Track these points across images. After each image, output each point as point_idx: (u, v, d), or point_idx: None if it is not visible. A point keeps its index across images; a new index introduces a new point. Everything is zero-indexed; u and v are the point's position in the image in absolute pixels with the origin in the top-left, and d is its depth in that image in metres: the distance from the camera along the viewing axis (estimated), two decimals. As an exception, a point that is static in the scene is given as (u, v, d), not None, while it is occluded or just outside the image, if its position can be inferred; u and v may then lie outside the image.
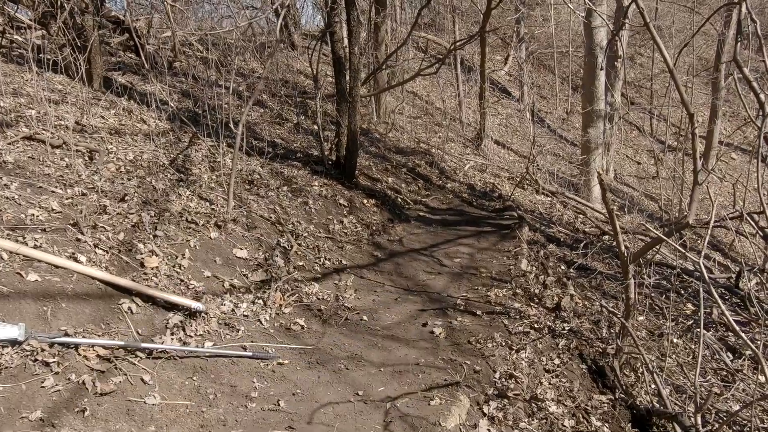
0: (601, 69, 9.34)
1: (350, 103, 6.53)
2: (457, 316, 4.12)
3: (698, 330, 3.00)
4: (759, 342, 3.62)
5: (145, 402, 2.59)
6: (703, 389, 3.59)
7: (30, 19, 6.69)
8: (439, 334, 3.84)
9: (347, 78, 6.66)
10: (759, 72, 12.06)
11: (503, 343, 3.71)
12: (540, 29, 18.11)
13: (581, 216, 8.48)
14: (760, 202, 3.41)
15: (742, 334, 1.95)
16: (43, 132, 4.44)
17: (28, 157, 4.06)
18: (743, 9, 3.89)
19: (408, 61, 12.41)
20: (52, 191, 3.72)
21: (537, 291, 4.67)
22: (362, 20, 8.10)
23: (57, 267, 3.02)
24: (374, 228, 6.03)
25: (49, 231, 3.28)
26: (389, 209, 6.77)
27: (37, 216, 3.36)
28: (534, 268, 5.25)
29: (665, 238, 2.79)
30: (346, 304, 4.18)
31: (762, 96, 3.82)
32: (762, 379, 2.88)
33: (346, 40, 7.33)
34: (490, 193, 9.19)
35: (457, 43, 9.56)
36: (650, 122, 17.16)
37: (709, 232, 2.44)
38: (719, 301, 1.98)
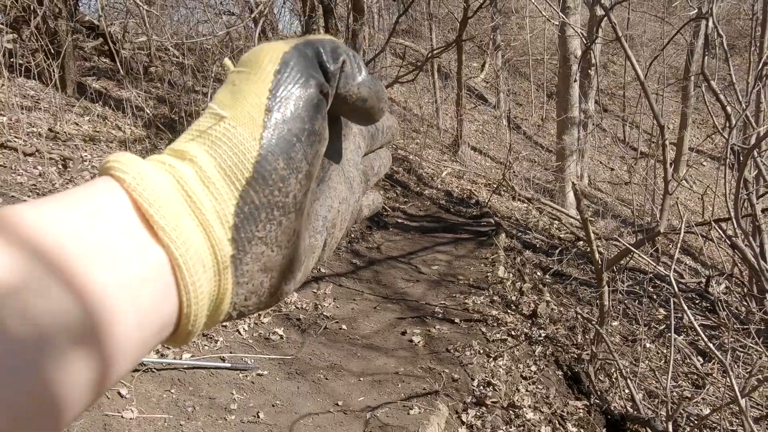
0: (575, 81, 9.53)
1: (328, 110, 6.54)
2: (436, 324, 4.16)
3: (670, 335, 3.09)
4: (728, 346, 3.73)
5: (122, 416, 2.56)
6: (674, 394, 3.68)
7: (0, 23, 6.56)
8: (418, 342, 3.87)
9: (325, 85, 6.66)
10: (726, 82, 12.41)
11: (481, 351, 3.75)
12: (516, 37, 18.38)
13: (556, 222, 8.61)
14: (728, 210, 3.53)
15: (710, 344, 2.02)
16: (16, 139, 4.36)
17: (0, 165, 3.99)
18: (710, 23, 4.02)
19: (386, 68, 12.48)
20: (25, 200, 3.65)
21: (514, 298, 4.74)
22: (340, 27, 8.13)
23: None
24: (352, 235, 6.05)
25: (22, 242, 3.23)
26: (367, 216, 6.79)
27: (10, 227, 3.30)
28: (511, 275, 5.32)
29: (634, 250, 2.86)
30: (324, 313, 4.19)
31: (729, 108, 3.95)
32: (730, 383, 2.97)
33: (324, 48, 7.32)
34: (467, 199, 9.28)
35: (435, 51, 9.65)
36: (623, 130, 17.52)
37: (680, 242, 2.52)
38: (688, 312, 2.05)
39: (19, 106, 4.75)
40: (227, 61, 0.32)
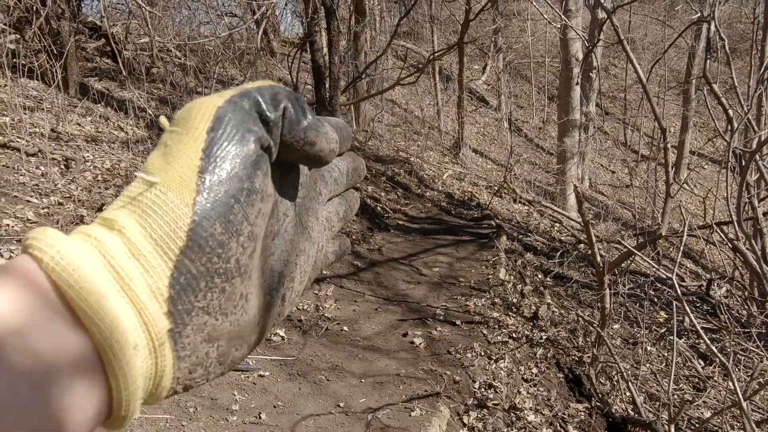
0: (577, 84, 9.54)
1: (330, 111, 6.56)
2: (437, 326, 4.16)
3: (671, 338, 3.10)
4: (729, 350, 3.73)
5: (124, 416, 2.56)
6: (676, 397, 3.68)
7: (3, 23, 6.57)
8: (419, 344, 3.87)
9: (327, 87, 6.68)
10: (728, 85, 12.42)
11: (482, 353, 3.75)
12: (517, 40, 18.40)
13: (557, 224, 8.61)
14: (729, 213, 3.53)
15: (712, 346, 2.02)
16: (18, 140, 4.37)
17: (3, 165, 4.00)
18: (712, 27, 4.03)
19: (387, 70, 12.49)
20: (28, 200, 3.67)
21: (515, 300, 4.74)
22: (342, 29, 8.14)
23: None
24: (354, 237, 6.05)
25: (24, 242, 3.23)
26: (369, 218, 6.80)
27: (13, 226, 3.31)
28: (512, 278, 5.32)
29: (636, 252, 2.87)
30: (326, 315, 4.19)
31: (730, 111, 3.96)
32: (731, 386, 2.98)
33: (326, 50, 7.35)
34: (468, 201, 9.28)
35: (436, 53, 9.66)
36: (624, 132, 17.53)
37: (682, 245, 2.52)
38: (690, 314, 2.05)
39: (22, 107, 4.76)
40: (163, 120, 0.30)
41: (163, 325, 0.25)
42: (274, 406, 3.00)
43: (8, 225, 3.30)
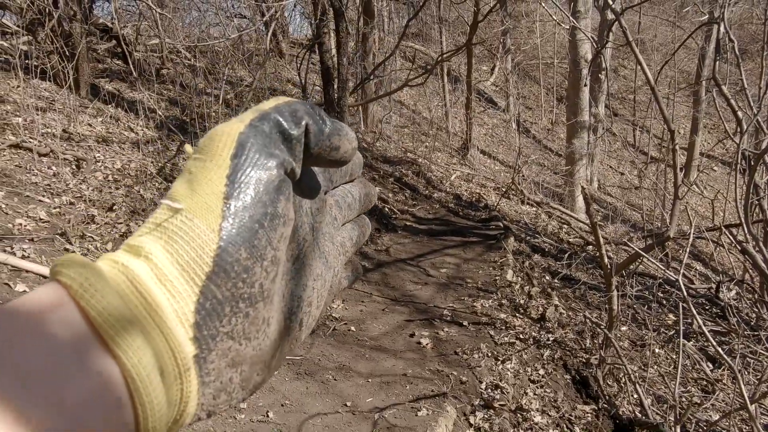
0: (585, 85, 9.52)
1: (338, 112, 6.58)
2: (444, 327, 4.16)
3: (680, 340, 3.09)
4: (737, 352, 3.71)
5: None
6: (683, 399, 3.67)
7: (16, 25, 6.65)
8: (426, 344, 3.88)
9: (335, 88, 6.71)
10: (738, 86, 12.33)
11: (489, 354, 3.76)
12: (526, 41, 18.36)
13: (566, 226, 8.59)
14: (738, 215, 3.52)
15: (719, 349, 2.02)
16: (31, 140, 4.43)
17: (15, 165, 4.05)
18: (722, 28, 4.01)
19: (396, 71, 12.51)
20: (40, 200, 3.72)
21: (522, 301, 4.74)
22: (350, 30, 8.17)
23: (45, 277, 3.02)
24: (362, 238, 6.06)
25: (37, 241, 3.28)
26: (376, 219, 6.82)
27: (25, 225, 3.35)
28: (519, 279, 5.32)
29: (644, 254, 2.86)
30: (333, 315, 4.21)
31: (740, 113, 3.94)
32: (740, 389, 2.96)
33: (334, 51, 7.38)
34: (476, 203, 9.27)
35: (445, 55, 9.67)
36: (633, 134, 17.44)
37: (688, 248, 2.52)
38: (697, 317, 2.05)
39: (35, 108, 4.82)
40: (188, 147, 0.30)
41: (189, 351, 0.25)
42: (282, 405, 3.02)
43: (21, 224, 3.35)
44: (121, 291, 0.24)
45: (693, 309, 2.09)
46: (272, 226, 0.28)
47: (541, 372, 3.71)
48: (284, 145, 0.29)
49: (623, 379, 3.81)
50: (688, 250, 2.65)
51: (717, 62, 4.18)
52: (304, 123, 0.30)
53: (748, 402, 1.99)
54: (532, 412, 3.27)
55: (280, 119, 0.29)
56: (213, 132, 0.29)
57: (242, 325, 0.27)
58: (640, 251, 2.93)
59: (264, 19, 6.78)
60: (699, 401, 3.69)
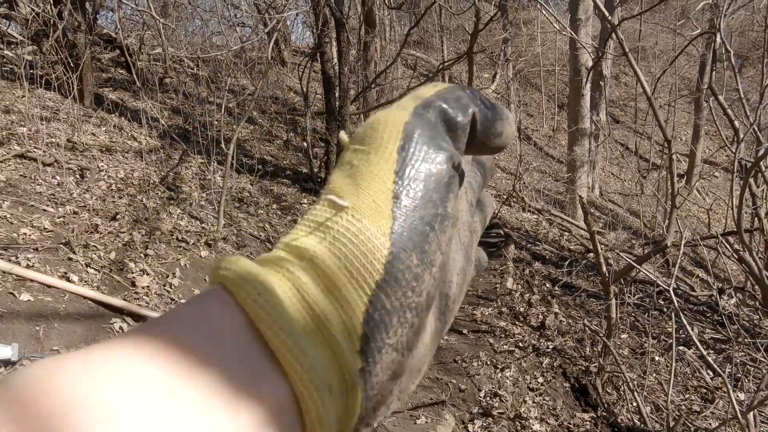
0: (583, 95, 9.58)
1: (340, 121, 6.63)
2: (443, 335, 4.18)
3: (679, 348, 3.11)
4: (736, 360, 3.73)
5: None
6: (683, 407, 3.69)
7: (21, 35, 6.73)
8: (426, 352, 3.90)
9: (337, 96, 6.76)
10: (736, 94, 12.35)
11: (488, 362, 3.78)
12: (527, 49, 18.44)
13: (567, 233, 8.61)
14: (735, 224, 3.55)
15: (708, 358, 2.04)
16: (35, 150, 4.48)
17: (20, 175, 4.10)
18: (718, 39, 4.06)
19: (397, 80, 12.58)
20: (44, 210, 3.76)
21: (522, 309, 4.76)
22: (352, 39, 8.24)
23: (49, 287, 3.06)
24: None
25: (41, 250, 3.32)
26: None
27: (29, 235, 3.40)
28: (519, 287, 5.34)
29: (636, 265, 2.89)
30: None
31: (736, 122, 3.98)
32: (737, 397, 2.98)
33: (336, 60, 7.45)
34: (477, 210, 9.28)
35: (446, 63, 9.73)
36: (635, 141, 17.47)
37: (680, 257, 2.55)
38: (688, 327, 2.08)
39: (39, 117, 4.88)
40: (343, 135, 0.28)
41: (356, 365, 0.23)
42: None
43: (25, 234, 3.39)
44: (289, 302, 0.23)
45: (684, 318, 2.12)
46: (442, 229, 0.26)
47: (540, 380, 3.73)
48: (449, 135, 0.27)
49: (622, 387, 3.82)
50: (680, 259, 2.68)
51: (714, 72, 4.22)
52: (470, 111, 0.28)
53: (738, 414, 2.01)
54: (531, 420, 3.29)
55: (446, 107, 0.27)
56: (374, 121, 0.27)
57: (407, 336, 0.25)
58: (632, 262, 2.96)
59: (267, 29, 6.85)
60: (699, 409, 3.70)
